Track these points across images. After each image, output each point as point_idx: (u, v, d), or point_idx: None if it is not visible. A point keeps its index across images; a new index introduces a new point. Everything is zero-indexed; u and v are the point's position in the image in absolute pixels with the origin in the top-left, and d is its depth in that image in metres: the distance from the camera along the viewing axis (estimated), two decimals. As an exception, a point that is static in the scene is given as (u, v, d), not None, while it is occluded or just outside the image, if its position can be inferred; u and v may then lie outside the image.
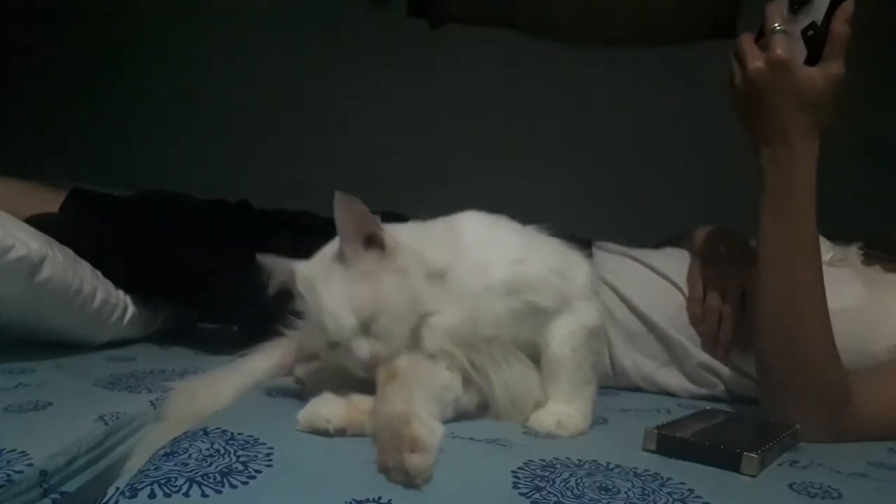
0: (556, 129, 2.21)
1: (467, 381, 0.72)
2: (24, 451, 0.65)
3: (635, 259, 1.11)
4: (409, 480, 0.55)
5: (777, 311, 0.87)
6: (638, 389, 1.07)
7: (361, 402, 0.65)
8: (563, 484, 0.59)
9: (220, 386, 0.81)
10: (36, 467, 0.64)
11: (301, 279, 0.71)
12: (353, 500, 0.53)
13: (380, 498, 0.53)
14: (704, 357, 1.05)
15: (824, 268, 0.86)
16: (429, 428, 0.61)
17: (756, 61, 0.84)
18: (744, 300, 1.02)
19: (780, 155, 0.85)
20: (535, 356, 0.76)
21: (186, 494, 0.52)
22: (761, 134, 0.86)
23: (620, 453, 0.67)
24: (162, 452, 0.59)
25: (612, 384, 1.06)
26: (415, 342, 0.70)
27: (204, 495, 0.52)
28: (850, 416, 0.85)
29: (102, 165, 1.86)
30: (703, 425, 0.77)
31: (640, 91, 2.16)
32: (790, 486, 0.65)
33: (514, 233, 0.79)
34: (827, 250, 1.03)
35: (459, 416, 0.72)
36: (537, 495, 0.56)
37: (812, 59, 0.83)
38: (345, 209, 0.67)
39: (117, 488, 0.55)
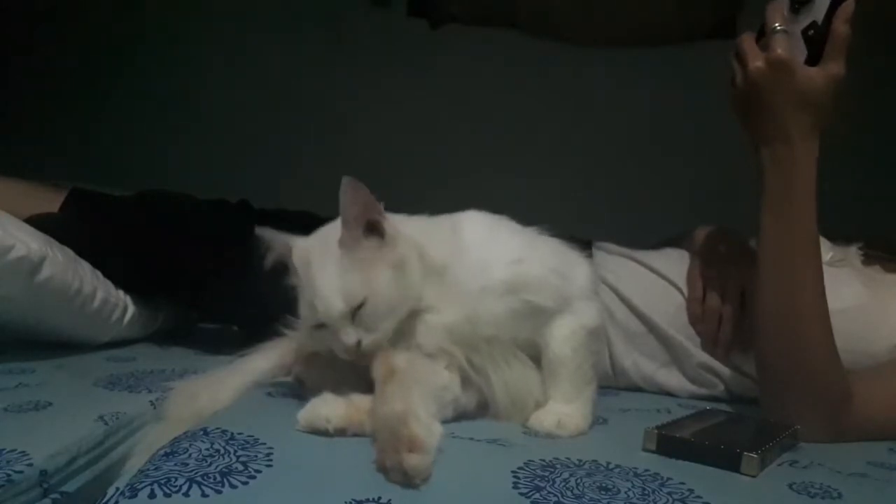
0: (556, 129, 2.22)
1: (467, 381, 0.72)
2: (24, 451, 0.65)
3: (635, 260, 1.11)
4: (408, 480, 0.55)
5: (777, 311, 0.86)
6: (638, 389, 1.07)
7: (361, 401, 0.65)
8: (563, 484, 0.59)
9: (220, 386, 0.81)
10: (36, 467, 0.64)
11: (297, 255, 0.71)
12: (353, 500, 0.53)
13: (379, 498, 0.53)
14: (704, 357, 1.05)
15: (824, 268, 0.86)
16: (427, 428, 0.61)
17: (756, 61, 0.84)
18: (744, 300, 1.02)
19: (781, 155, 0.85)
20: (536, 356, 0.76)
21: (186, 494, 0.52)
22: (761, 134, 0.86)
23: (620, 453, 0.67)
24: (162, 452, 0.59)
25: (612, 384, 1.06)
26: (411, 339, 0.70)
27: (204, 495, 0.52)
28: (850, 416, 0.85)
29: (102, 165, 1.86)
30: (703, 425, 0.77)
31: (640, 91, 2.16)
32: (790, 486, 0.65)
33: (515, 233, 0.79)
34: (827, 250, 1.03)
35: (459, 415, 0.72)
36: (537, 495, 0.56)
37: (812, 59, 0.83)
38: (351, 194, 0.68)
39: (117, 488, 0.55)
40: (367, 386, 0.68)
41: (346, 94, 2.24)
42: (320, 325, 0.70)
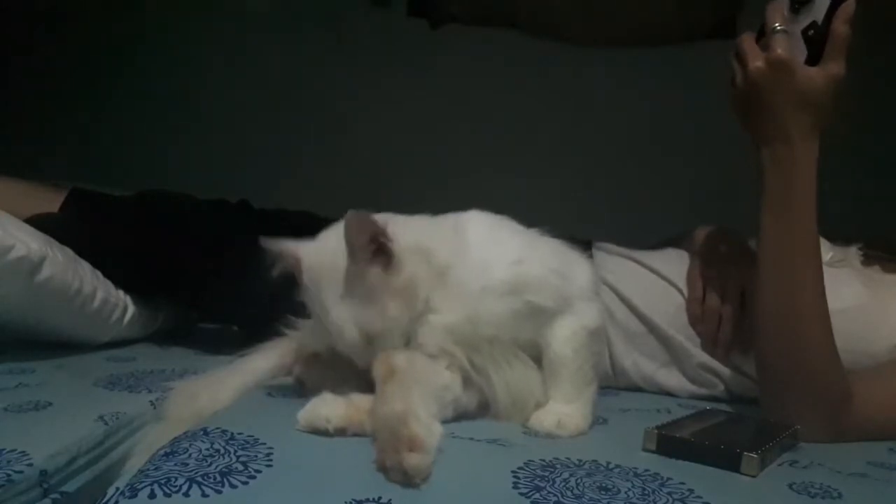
0: (556, 129, 2.21)
1: (468, 381, 0.72)
2: (24, 451, 0.65)
3: (635, 260, 1.11)
4: (408, 480, 0.55)
5: (777, 311, 0.86)
6: (638, 389, 1.07)
7: (361, 401, 0.65)
8: (563, 484, 0.59)
9: (220, 386, 0.81)
10: (36, 467, 0.64)
11: (307, 271, 0.71)
12: (353, 500, 0.53)
13: (380, 498, 0.53)
14: (704, 357, 1.05)
15: (824, 268, 0.86)
16: (427, 427, 0.61)
17: (756, 61, 0.84)
18: (744, 300, 1.02)
19: (781, 155, 0.85)
20: (536, 356, 0.76)
21: (186, 494, 0.52)
22: (761, 134, 0.86)
23: (620, 453, 0.67)
24: (162, 452, 0.59)
25: (612, 384, 1.06)
26: (412, 341, 0.70)
27: (204, 495, 0.52)
28: (850, 416, 0.85)
29: (102, 165, 1.86)
30: (703, 425, 0.77)
31: (640, 91, 2.16)
32: (790, 486, 0.65)
33: (516, 233, 0.79)
34: (826, 251, 1.03)
35: (459, 416, 0.72)
36: (537, 495, 0.56)
37: (812, 59, 0.83)
38: (357, 226, 0.67)
39: (117, 488, 0.55)
40: (367, 386, 0.68)
41: (346, 94, 2.24)
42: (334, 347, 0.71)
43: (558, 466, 0.63)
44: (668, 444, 0.69)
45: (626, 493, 0.58)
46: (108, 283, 1.13)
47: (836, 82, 0.83)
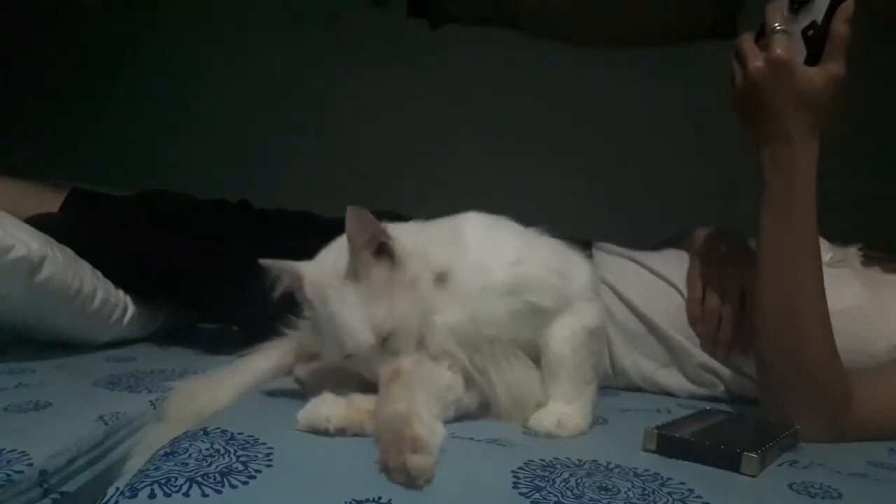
0: (556, 129, 2.21)
1: (469, 382, 0.72)
2: (24, 451, 0.65)
3: (635, 260, 1.11)
4: (411, 481, 0.55)
5: (777, 311, 0.87)
6: (638, 389, 1.07)
7: (361, 401, 0.65)
8: (563, 484, 0.59)
9: (220, 386, 0.81)
10: (36, 467, 0.64)
11: (310, 286, 0.71)
12: (353, 500, 0.53)
13: (380, 498, 0.53)
14: (704, 357, 1.05)
15: (824, 268, 0.86)
16: (430, 428, 0.61)
17: (756, 61, 0.84)
18: (744, 300, 1.02)
19: (781, 155, 0.85)
20: (536, 356, 0.76)
21: (186, 494, 0.52)
22: (761, 134, 0.86)
23: (620, 453, 0.67)
24: (162, 452, 0.59)
25: (612, 384, 1.06)
26: (420, 344, 0.71)
27: (204, 495, 0.52)
28: (850, 416, 0.85)
29: (102, 165, 1.86)
30: (703, 425, 0.77)
31: (640, 91, 2.16)
32: (790, 486, 0.65)
33: (514, 234, 0.79)
34: (826, 251, 1.03)
35: (461, 416, 0.72)
36: (537, 495, 0.56)
37: (812, 59, 0.83)
38: (357, 221, 0.67)
39: (117, 488, 0.55)
40: (368, 386, 0.68)
41: (346, 94, 2.24)
42: (349, 356, 0.70)
43: (558, 466, 0.63)
44: (668, 444, 0.69)
45: (626, 493, 0.58)
46: (108, 283, 1.13)
47: (835, 82, 0.83)
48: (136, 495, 0.52)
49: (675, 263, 1.10)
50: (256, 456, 0.58)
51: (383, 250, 0.70)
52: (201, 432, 0.62)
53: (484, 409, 0.74)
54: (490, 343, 0.73)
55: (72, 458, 0.68)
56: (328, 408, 0.64)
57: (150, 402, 0.84)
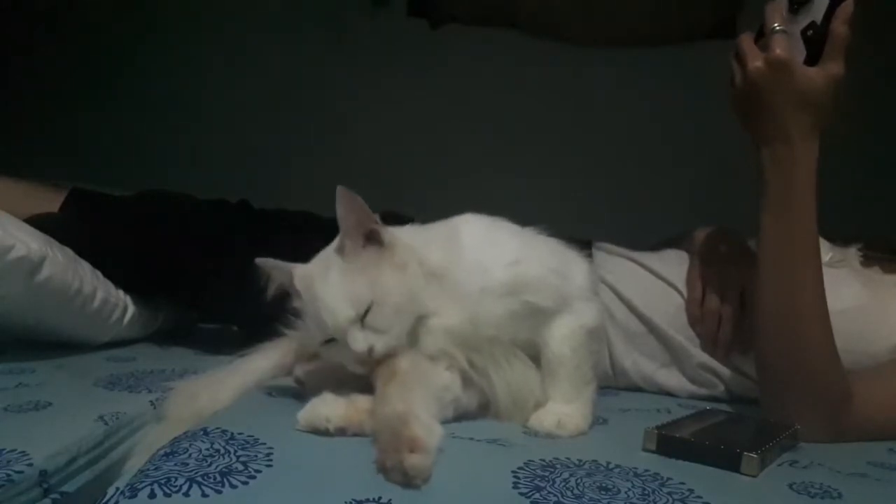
0: (556, 129, 2.22)
1: (468, 382, 0.72)
2: (24, 451, 0.65)
3: (634, 260, 1.11)
4: (408, 480, 0.55)
5: (777, 311, 0.86)
6: (638, 389, 1.07)
7: (361, 401, 0.65)
8: (563, 484, 0.59)
9: (220, 386, 0.81)
10: (36, 467, 0.64)
11: (299, 278, 0.72)
12: (353, 500, 0.53)
13: (380, 498, 0.53)
14: (704, 357, 1.05)
15: (824, 269, 0.86)
16: (428, 428, 0.61)
17: (756, 61, 0.84)
18: (743, 300, 1.02)
19: (781, 155, 0.85)
20: (536, 356, 0.76)
21: (186, 494, 0.52)
22: (761, 134, 0.86)
23: (620, 453, 0.67)
24: (162, 452, 0.59)
25: (612, 384, 1.06)
26: (414, 343, 0.70)
27: (204, 495, 0.52)
28: (850, 416, 0.85)
29: (102, 165, 1.86)
30: (703, 425, 0.77)
31: (640, 91, 2.16)
32: (790, 486, 0.65)
33: (513, 234, 0.79)
34: (826, 251, 1.03)
35: (460, 416, 0.72)
36: (537, 495, 0.56)
37: (812, 59, 0.83)
38: (347, 202, 0.69)
39: (117, 488, 0.55)
40: (367, 386, 0.68)
41: (346, 94, 2.24)
42: (331, 341, 0.70)
43: (558, 466, 0.63)
44: (668, 444, 0.69)
45: (626, 493, 0.58)
46: (108, 283, 1.13)
47: (835, 82, 0.83)
48: (136, 495, 0.52)
49: (674, 264, 1.10)
50: (256, 456, 0.58)
51: (373, 238, 0.70)
52: (201, 432, 0.62)
53: (484, 409, 0.74)
54: (489, 343, 0.73)
55: (72, 458, 0.68)
56: (328, 408, 0.64)
57: (150, 402, 0.84)
